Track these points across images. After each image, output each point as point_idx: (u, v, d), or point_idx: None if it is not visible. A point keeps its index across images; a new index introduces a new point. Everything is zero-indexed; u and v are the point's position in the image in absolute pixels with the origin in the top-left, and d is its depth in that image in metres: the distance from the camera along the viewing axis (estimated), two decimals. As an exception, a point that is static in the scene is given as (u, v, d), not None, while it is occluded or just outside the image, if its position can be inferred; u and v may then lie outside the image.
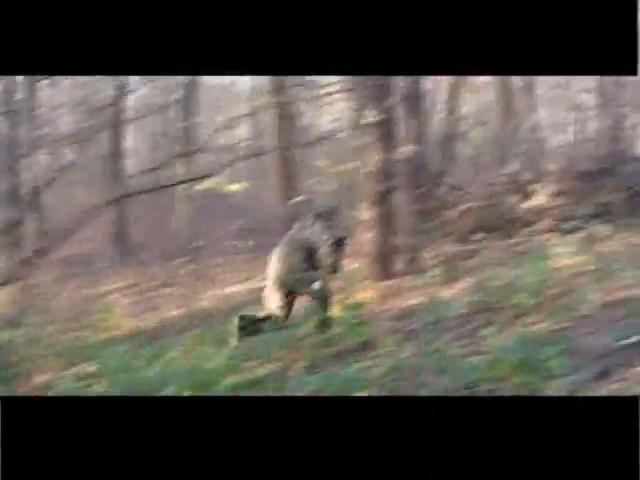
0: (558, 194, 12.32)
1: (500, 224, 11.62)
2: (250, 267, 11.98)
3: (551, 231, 10.44)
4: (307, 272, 6.91)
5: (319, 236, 6.93)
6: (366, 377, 5.18)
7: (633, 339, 5.25)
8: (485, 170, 15.19)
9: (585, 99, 21.09)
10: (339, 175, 8.08)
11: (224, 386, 5.35)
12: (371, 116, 9.24)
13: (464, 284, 8.17)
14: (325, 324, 6.84)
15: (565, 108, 22.70)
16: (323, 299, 6.97)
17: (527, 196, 12.49)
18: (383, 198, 9.46)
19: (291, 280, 6.92)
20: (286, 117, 11.99)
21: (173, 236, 17.09)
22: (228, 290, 11.32)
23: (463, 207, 12.50)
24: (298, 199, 9.02)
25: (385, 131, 9.54)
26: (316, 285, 6.91)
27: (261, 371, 5.92)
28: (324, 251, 6.89)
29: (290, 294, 7.02)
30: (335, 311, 7.11)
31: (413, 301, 7.98)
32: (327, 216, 7.16)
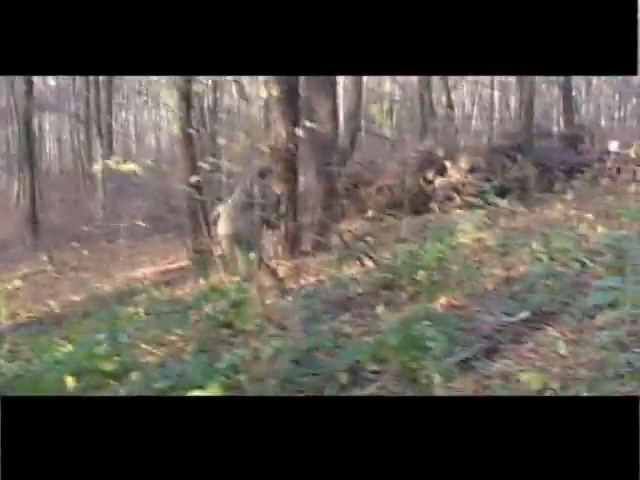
0: (471, 170, 12.35)
1: (411, 200, 11.57)
2: (158, 248, 11.81)
3: (461, 207, 10.42)
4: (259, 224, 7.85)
5: (265, 192, 8.01)
6: (253, 359, 5.02)
7: (522, 315, 5.21)
8: (400, 147, 15.17)
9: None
10: (244, 152, 7.91)
11: (104, 372, 5.13)
12: (277, 92, 9.03)
13: (369, 262, 8.07)
14: (242, 303, 6.72)
15: (484, 85, 22.94)
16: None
17: (440, 172, 12.48)
18: (291, 176, 9.31)
19: (245, 234, 7.74)
20: (190, 96, 11.71)
21: (86, 219, 16.80)
22: (137, 272, 11.13)
23: (375, 184, 12.44)
24: (197, 178, 8.97)
25: (293, 107, 9.38)
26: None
27: (149, 358, 5.70)
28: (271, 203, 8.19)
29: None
30: (235, 290, 7.00)
31: (316, 279, 7.88)
32: (265, 176, 8.30)
